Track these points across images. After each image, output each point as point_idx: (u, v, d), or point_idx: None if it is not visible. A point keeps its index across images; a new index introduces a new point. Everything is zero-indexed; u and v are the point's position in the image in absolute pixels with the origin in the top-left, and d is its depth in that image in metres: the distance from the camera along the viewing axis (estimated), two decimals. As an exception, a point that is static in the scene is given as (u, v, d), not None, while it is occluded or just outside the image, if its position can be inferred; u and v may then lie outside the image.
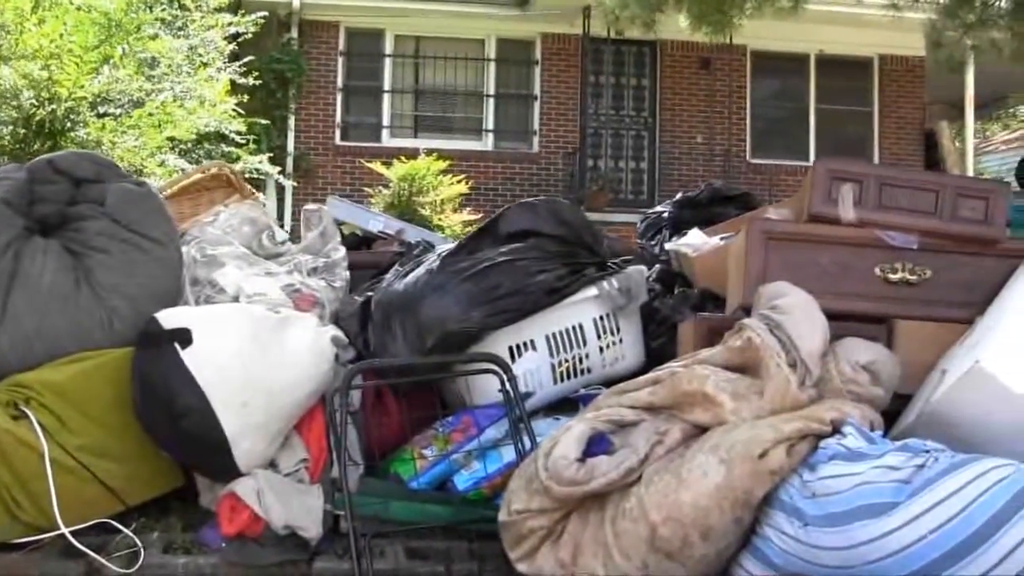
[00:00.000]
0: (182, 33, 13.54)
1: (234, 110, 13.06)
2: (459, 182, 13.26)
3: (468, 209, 13.31)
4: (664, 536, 3.27)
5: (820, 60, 17.74)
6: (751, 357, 3.60)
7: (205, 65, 13.45)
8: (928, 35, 9.76)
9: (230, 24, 13.79)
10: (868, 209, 4.16)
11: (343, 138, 16.74)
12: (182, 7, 13.62)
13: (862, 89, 17.95)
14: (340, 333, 4.28)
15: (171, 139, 11.62)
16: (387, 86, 17.00)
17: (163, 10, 12.98)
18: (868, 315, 4.11)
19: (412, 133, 17.10)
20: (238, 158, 13.38)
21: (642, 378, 3.82)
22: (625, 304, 4.48)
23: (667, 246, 5.32)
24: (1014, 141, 23.93)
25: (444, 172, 13.10)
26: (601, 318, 4.51)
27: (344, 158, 15.71)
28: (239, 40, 13.86)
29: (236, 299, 4.35)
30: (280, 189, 15.73)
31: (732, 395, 3.53)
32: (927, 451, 3.25)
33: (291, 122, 16.48)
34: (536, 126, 17.17)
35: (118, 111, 10.73)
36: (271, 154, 14.27)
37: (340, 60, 16.89)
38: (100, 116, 10.18)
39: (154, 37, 11.29)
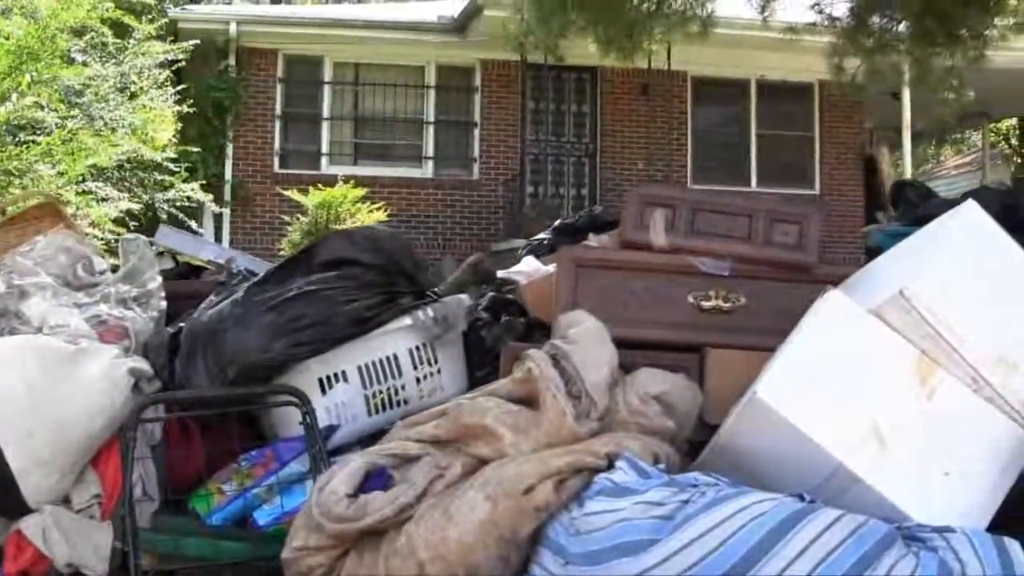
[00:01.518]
0: (114, 60, 13.36)
1: (172, 139, 12.93)
2: (379, 209, 13.12)
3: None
4: (431, 574, 3.12)
5: (761, 86, 17.69)
6: (532, 388, 3.47)
7: (134, 95, 13.29)
8: (829, 59, 9.68)
9: (163, 52, 13.61)
10: (680, 235, 4.03)
11: (281, 166, 16.63)
12: (116, 34, 13.47)
13: (803, 115, 17.91)
14: (142, 364, 4.13)
15: (93, 167, 11.43)
16: (326, 113, 16.89)
17: (92, 37, 12.83)
18: (681, 343, 3.96)
19: (352, 160, 16.99)
20: (171, 186, 13.23)
21: (430, 411, 3.70)
22: (441, 334, 4.34)
23: (499, 273, 5.19)
24: (964, 166, 23.96)
25: (364, 199, 12.93)
26: (417, 348, 4.37)
27: (282, 186, 15.50)
28: (174, 67, 13.68)
29: (39, 330, 4.19)
30: (217, 217, 15.53)
31: (512, 428, 3.41)
32: (695, 485, 3.14)
33: (229, 150, 16.31)
34: (476, 153, 17.09)
35: (39, 138, 10.58)
36: (204, 182, 14.13)
37: (279, 87, 16.78)
38: (18, 144, 10.00)
39: (70, 63, 11.06)
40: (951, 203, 8.20)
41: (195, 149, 14.55)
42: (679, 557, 2.88)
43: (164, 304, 4.58)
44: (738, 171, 17.64)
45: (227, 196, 15.90)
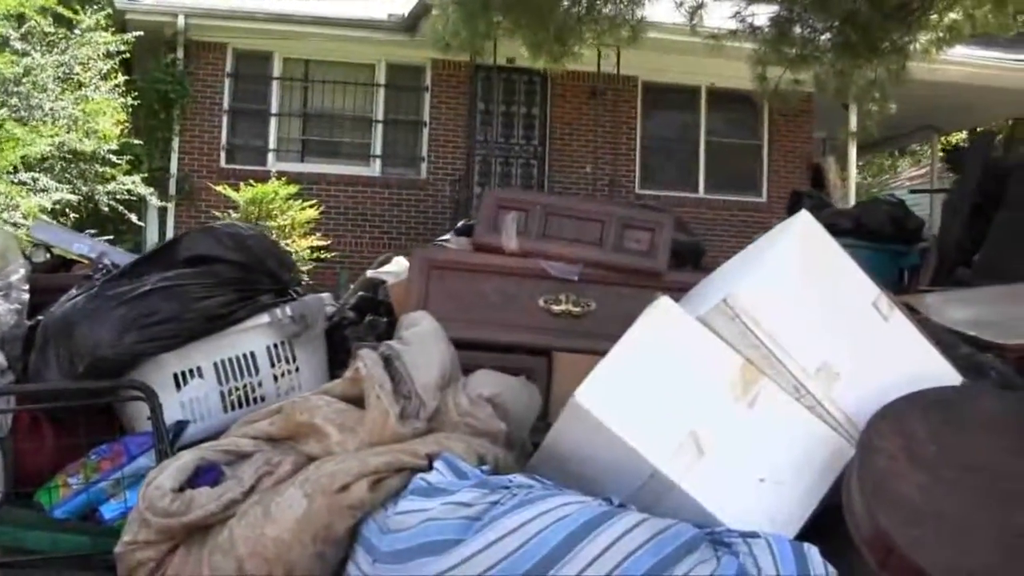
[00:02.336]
0: (57, 50, 13.32)
1: (118, 131, 12.89)
2: (312, 206, 13.08)
3: (318, 235, 13.11)
4: (249, 572, 3.15)
5: (711, 93, 17.70)
6: (362, 388, 3.48)
7: (81, 85, 13.25)
8: (753, 68, 9.72)
9: (106, 43, 13.56)
10: (532, 239, 4.04)
11: (228, 161, 16.55)
12: (62, 25, 13.43)
13: (752, 123, 17.94)
14: (-5, 357, 4.11)
15: (25, 158, 11.40)
16: (274, 109, 16.82)
17: (33, 26, 12.79)
18: (531, 346, 3.98)
19: (299, 157, 16.93)
20: (112, 178, 13.18)
21: (267, 408, 3.71)
22: (300, 332, 4.35)
23: (368, 273, 5.20)
24: (918, 177, 24.06)
25: (297, 196, 12.90)
26: (275, 346, 4.39)
27: (228, 181, 15.43)
28: (119, 59, 13.64)
29: None
30: (162, 212, 15.48)
31: (339, 427, 3.44)
32: (507, 487, 3.14)
33: (175, 143, 16.18)
34: (424, 152, 17.07)
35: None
36: (148, 175, 14.10)
37: (227, 82, 16.69)
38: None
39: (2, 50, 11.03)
40: (844, 213, 8.30)
41: (137, 141, 14.46)
42: (480, 557, 2.90)
43: (26, 296, 4.57)
44: (686, 177, 17.68)
45: (172, 190, 15.72)
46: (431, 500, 3.14)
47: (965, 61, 17.00)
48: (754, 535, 3.03)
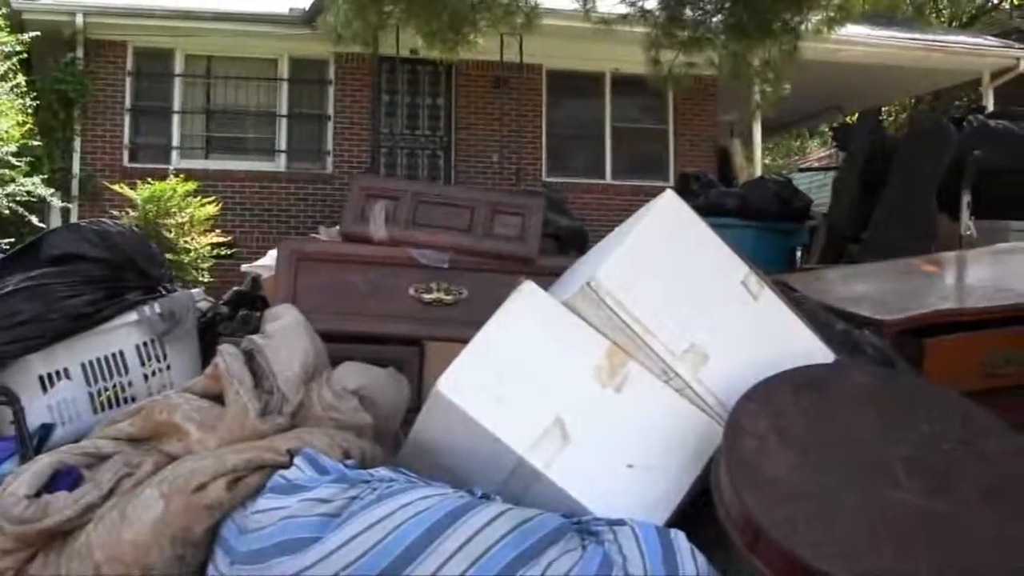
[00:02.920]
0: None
1: (25, 130, 12.63)
2: (211, 203, 12.87)
3: (217, 231, 12.91)
4: (108, 576, 3.00)
5: (616, 79, 17.65)
6: (222, 384, 3.35)
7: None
8: (646, 52, 9.66)
9: (2, 44, 13.28)
10: (401, 227, 3.92)
11: (131, 160, 16.27)
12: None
13: (658, 108, 17.91)
14: None
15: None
16: (177, 106, 16.58)
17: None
18: (403, 337, 3.87)
19: (203, 154, 16.70)
20: (12, 180, 12.90)
21: (128, 408, 3.57)
22: (169, 329, 4.21)
23: (243, 268, 5.07)
24: (826, 157, 24.23)
25: (196, 193, 12.69)
26: (144, 344, 4.24)
27: (132, 180, 15.15)
28: (17, 59, 13.35)
29: None
30: (65, 213, 15.19)
31: (199, 425, 3.32)
32: (367, 481, 3.03)
33: (76, 143, 15.85)
34: (330, 146, 16.87)
35: None
36: (48, 176, 13.83)
37: (128, 80, 16.39)
38: None
39: None
40: (730, 193, 8.27)
41: (36, 143, 14.16)
42: (338, 555, 2.80)
43: None
44: (593, 164, 17.63)
45: (75, 191, 15.43)
46: (289, 497, 3.03)
47: (866, 41, 17.13)
48: (620, 523, 2.95)
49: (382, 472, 3.16)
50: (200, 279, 11.18)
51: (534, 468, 3.11)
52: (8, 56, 13.83)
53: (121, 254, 4.30)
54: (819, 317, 4.03)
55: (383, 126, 17.00)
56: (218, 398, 3.47)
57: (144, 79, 16.83)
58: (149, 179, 13.66)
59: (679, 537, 2.90)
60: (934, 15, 26.34)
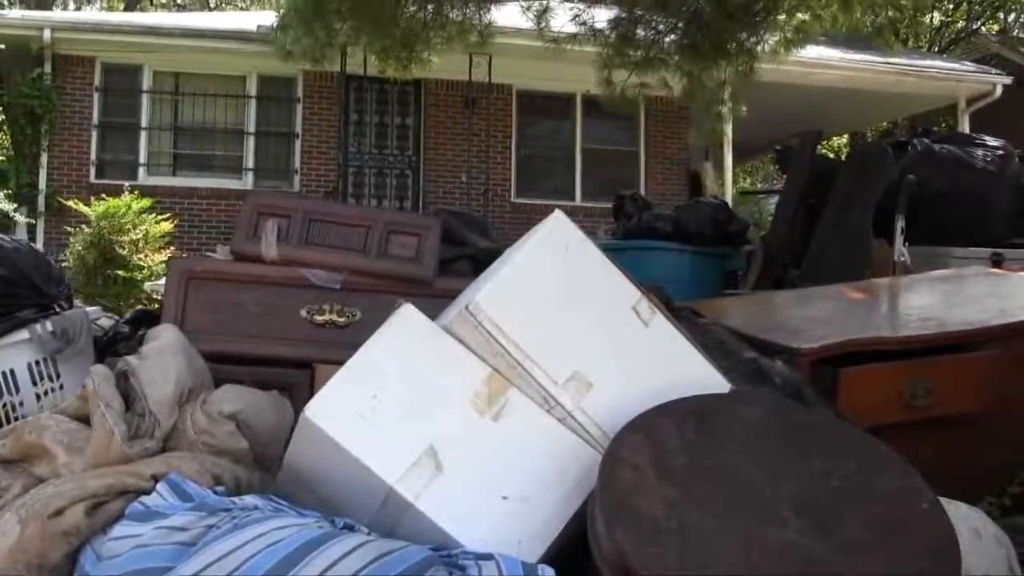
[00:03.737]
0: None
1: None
2: (166, 220, 12.70)
3: (172, 249, 12.75)
4: (-40, 606, 2.84)
5: (587, 100, 17.50)
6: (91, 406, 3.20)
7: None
8: (599, 72, 9.51)
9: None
10: (293, 246, 3.76)
11: (98, 176, 16.09)
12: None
13: (629, 129, 17.78)
14: None
15: None
16: (145, 123, 16.39)
17: None
18: (294, 359, 3.71)
19: (171, 171, 16.49)
20: (-27, 195, 12.76)
21: (3, 429, 3.40)
22: (62, 348, 4.05)
23: (146, 286, 4.90)
24: (802, 182, 24.03)
25: (150, 210, 12.53)
26: (37, 363, 4.07)
27: (99, 196, 14.96)
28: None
29: None
30: (31, 228, 15.02)
31: (67, 447, 3.17)
32: (227, 509, 2.88)
33: (43, 159, 15.67)
34: (297, 164, 16.69)
35: None
36: (11, 191, 13.68)
37: (96, 96, 16.22)
38: None
39: None
40: (663, 216, 8.12)
41: (1, 158, 14.01)
42: (188, 586, 2.61)
43: None
44: (563, 185, 17.50)
45: (41, 207, 15.26)
46: (144, 525, 2.88)
47: (838, 64, 17.06)
48: (488, 557, 2.79)
49: (247, 500, 3.01)
50: (154, 296, 11.02)
51: (404, 498, 2.95)
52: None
53: (15, 271, 4.15)
54: (727, 345, 3.89)
55: (351, 145, 16.81)
56: (88, 420, 3.32)
57: (112, 95, 16.67)
58: (103, 195, 13.46)
59: (547, 572, 2.74)
60: (912, 40, 26.35)
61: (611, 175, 17.85)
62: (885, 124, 21.19)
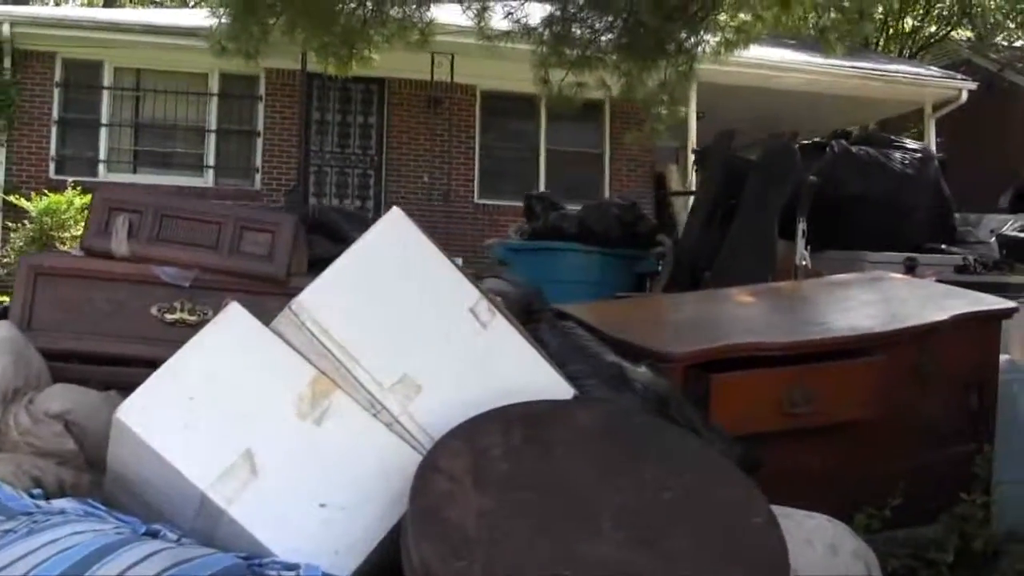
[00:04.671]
0: None
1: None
2: (111, 217, 12.51)
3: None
4: None
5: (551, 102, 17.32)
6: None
7: None
8: (535, 71, 9.38)
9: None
10: (143, 242, 3.62)
11: (58, 172, 15.90)
12: None
13: (593, 131, 17.66)
14: None
15: None
16: (105, 119, 16.25)
17: None
18: (144, 359, 3.56)
19: (131, 168, 16.39)
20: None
21: None
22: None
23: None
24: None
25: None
26: None
27: (57, 192, 14.80)
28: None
29: None
30: (-15, 223, 14.88)
31: None
32: (29, 513, 2.75)
33: (1, 155, 15.48)
34: (259, 162, 16.57)
35: None
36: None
37: (56, 91, 16.05)
38: None
39: None
40: (569, 216, 7.99)
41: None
42: (-23, 594, 2.48)
43: None
44: (526, 186, 17.24)
45: (-2, 202, 15.12)
46: (-61, 531, 2.73)
47: (801, 68, 16.99)
48: (295, 567, 2.65)
49: (57, 504, 2.88)
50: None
51: (216, 504, 2.82)
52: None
53: None
54: (588, 349, 3.76)
55: (313, 144, 16.64)
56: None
57: (72, 90, 16.54)
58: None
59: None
60: (884, 45, 26.23)
61: (575, 177, 17.71)
62: (854, 129, 21.04)
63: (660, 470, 2.97)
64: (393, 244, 3.20)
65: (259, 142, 16.83)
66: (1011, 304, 4.84)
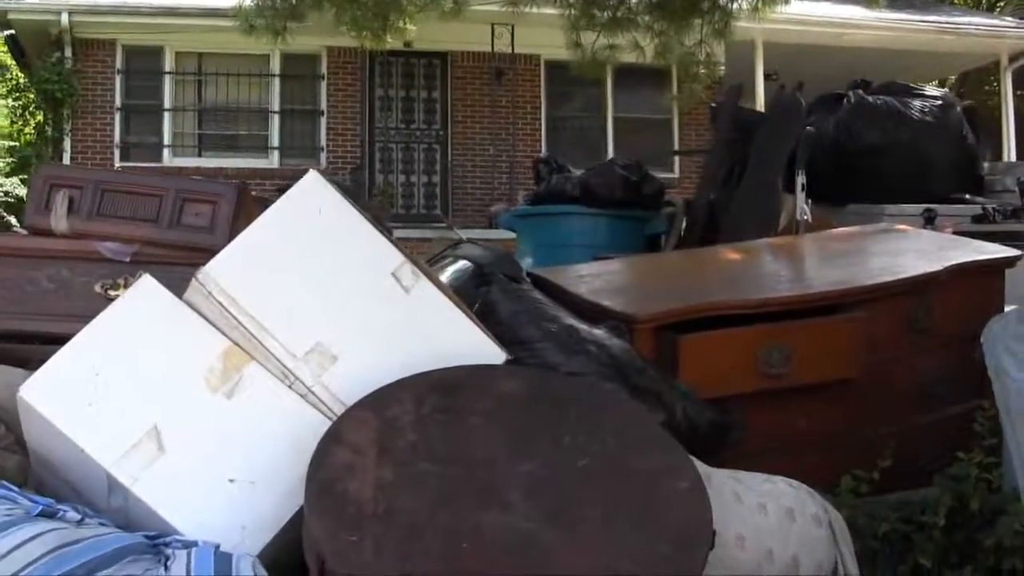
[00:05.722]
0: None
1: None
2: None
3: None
4: None
5: (618, 69, 17.08)
6: None
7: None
8: (567, 35, 9.20)
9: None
10: (83, 218, 3.57)
11: (123, 159, 16.07)
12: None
13: (661, 97, 17.36)
14: None
15: None
16: (168, 104, 16.39)
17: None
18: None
19: (196, 152, 16.52)
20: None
21: None
22: None
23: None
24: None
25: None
26: None
27: (125, 179, 14.94)
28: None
29: None
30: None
31: None
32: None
33: (67, 144, 15.69)
34: (323, 142, 16.63)
35: None
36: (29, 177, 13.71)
37: (118, 78, 16.23)
38: None
39: None
40: (571, 178, 7.81)
41: (12, 143, 14.05)
42: None
43: None
44: (595, 156, 17.08)
45: (66, 192, 15.28)
46: None
47: (872, 24, 16.63)
48: (191, 544, 2.58)
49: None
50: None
51: (120, 482, 2.74)
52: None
53: None
54: (542, 312, 3.63)
55: (378, 121, 16.63)
56: None
57: (134, 77, 16.72)
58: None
59: (243, 562, 2.54)
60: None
61: (644, 144, 17.47)
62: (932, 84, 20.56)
63: (581, 437, 2.85)
64: (308, 210, 3.11)
65: (323, 121, 16.86)
66: (1015, 252, 4.60)
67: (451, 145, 17.02)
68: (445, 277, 3.91)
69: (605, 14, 8.89)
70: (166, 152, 16.35)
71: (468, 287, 3.77)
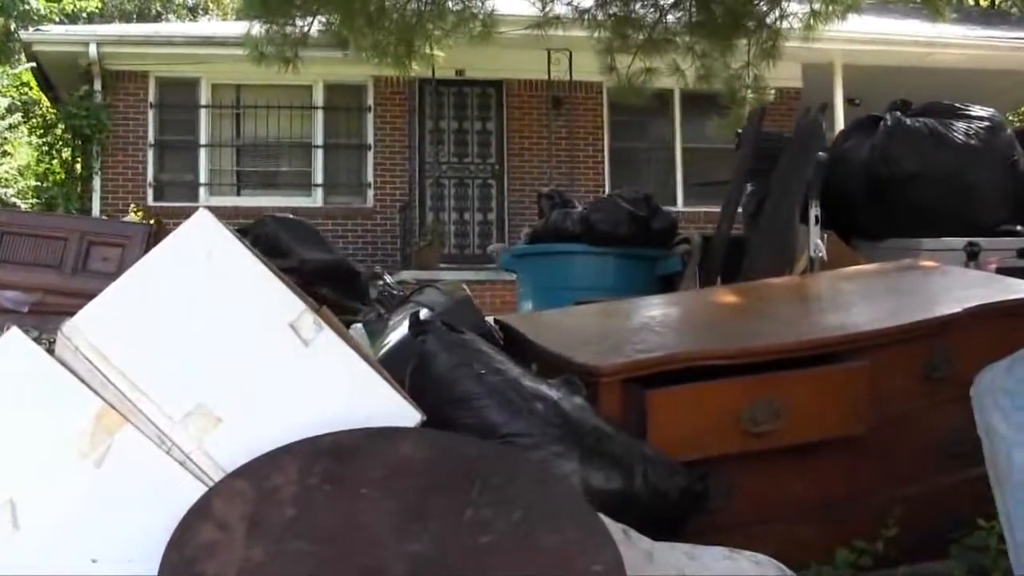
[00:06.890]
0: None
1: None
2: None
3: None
4: None
5: (686, 95, 16.90)
6: None
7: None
8: (600, 59, 9.03)
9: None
10: (-17, 264, 3.46)
11: (156, 198, 16.13)
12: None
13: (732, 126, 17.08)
14: None
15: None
16: (204, 139, 16.39)
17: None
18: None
19: (234, 190, 16.53)
20: (17, 223, 12.86)
21: None
22: None
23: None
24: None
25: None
26: None
27: (159, 221, 14.95)
28: (23, 94, 13.37)
29: None
30: (83, 255, 15.10)
31: None
32: None
33: (96, 183, 15.76)
34: (370, 178, 16.56)
35: None
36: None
37: (151, 113, 16.26)
38: None
39: None
40: (571, 214, 7.58)
41: (35, 183, 14.12)
42: None
43: None
44: (662, 189, 16.88)
45: (95, 234, 15.33)
46: None
47: (960, 42, 16.30)
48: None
49: None
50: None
51: (-29, 563, 2.60)
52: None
53: None
54: (487, 365, 3.45)
55: (428, 155, 16.54)
56: None
57: (167, 111, 16.74)
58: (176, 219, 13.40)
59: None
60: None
61: (714, 176, 17.17)
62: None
63: (485, 510, 2.65)
64: (195, 253, 2.95)
65: (370, 156, 16.81)
66: (1043, 292, 4.32)
67: (507, 180, 16.86)
68: (396, 326, 3.74)
69: (640, 35, 8.69)
70: (202, 191, 16.37)
71: (408, 338, 3.60)
